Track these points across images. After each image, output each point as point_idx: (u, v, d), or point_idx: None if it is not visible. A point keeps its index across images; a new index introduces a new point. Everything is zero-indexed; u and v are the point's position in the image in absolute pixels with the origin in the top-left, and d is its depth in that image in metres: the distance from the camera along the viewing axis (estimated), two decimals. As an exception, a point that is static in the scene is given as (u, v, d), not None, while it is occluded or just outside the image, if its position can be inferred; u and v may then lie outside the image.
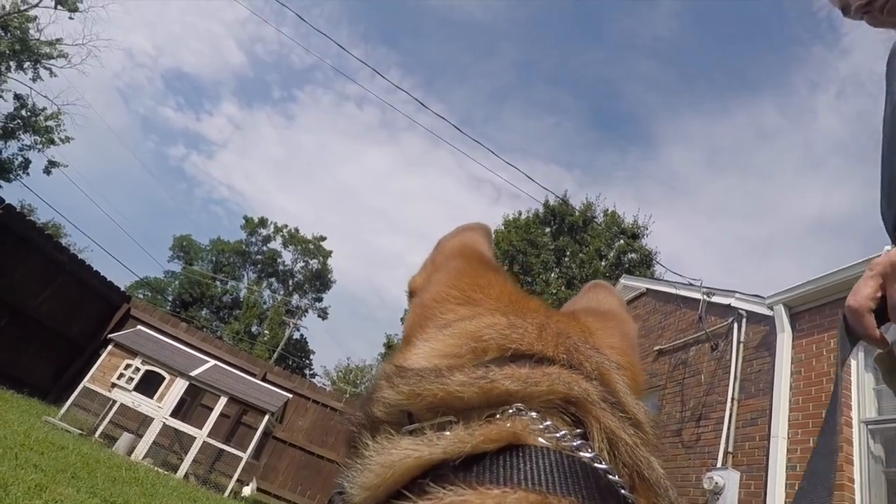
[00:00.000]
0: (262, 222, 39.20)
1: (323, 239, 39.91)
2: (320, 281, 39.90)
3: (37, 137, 21.34)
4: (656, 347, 8.47)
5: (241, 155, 65.35)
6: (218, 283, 37.34)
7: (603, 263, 23.59)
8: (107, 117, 52.86)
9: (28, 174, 21.45)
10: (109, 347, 7.98)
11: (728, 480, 5.62)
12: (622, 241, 24.15)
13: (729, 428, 6.12)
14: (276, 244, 39.45)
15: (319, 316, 39.97)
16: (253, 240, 39.32)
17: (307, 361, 38.65)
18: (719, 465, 5.97)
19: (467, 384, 0.35)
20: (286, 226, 39.47)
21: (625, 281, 10.85)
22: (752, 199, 69.91)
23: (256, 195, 66.17)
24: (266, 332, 35.32)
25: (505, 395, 0.35)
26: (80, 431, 6.73)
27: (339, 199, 71.32)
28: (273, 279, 39.41)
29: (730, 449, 5.98)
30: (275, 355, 30.63)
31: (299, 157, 68.65)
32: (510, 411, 0.34)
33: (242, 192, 65.65)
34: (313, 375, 36.69)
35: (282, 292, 39.19)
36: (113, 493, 4.15)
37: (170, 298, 36.82)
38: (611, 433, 0.36)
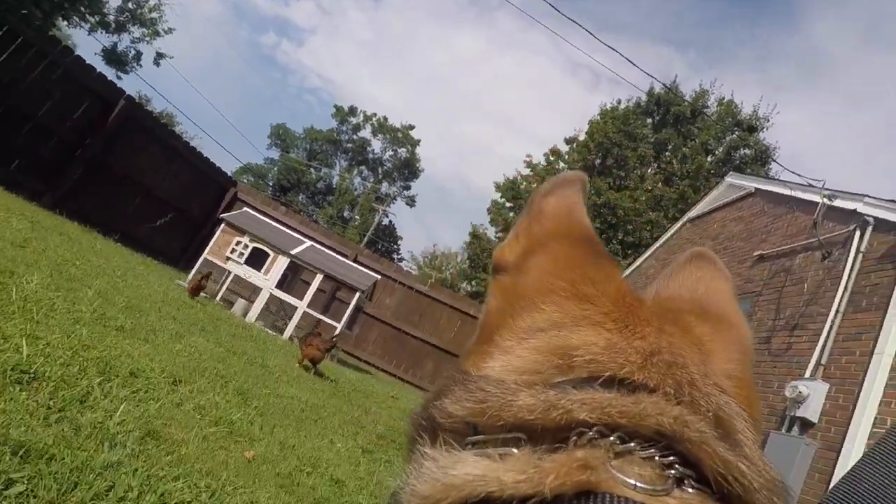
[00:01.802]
0: (352, 111, 39.66)
1: (411, 128, 39.84)
2: (408, 169, 40.62)
3: (144, 30, 22.32)
4: (756, 252, 7.88)
5: (330, 39, 64.49)
6: (312, 170, 39.35)
7: (709, 159, 21.47)
8: (201, 6, 53.72)
9: (141, 66, 22.89)
10: (222, 226, 8.95)
11: (814, 391, 5.42)
12: (736, 135, 21.60)
13: (826, 340, 5.76)
14: (365, 133, 40.14)
15: (407, 203, 41.38)
16: (343, 128, 40.20)
17: (395, 246, 40.88)
18: (807, 375, 5.74)
19: (534, 406, 0.31)
20: (375, 114, 39.68)
21: (731, 179, 9.88)
22: (911, 85, 57.76)
23: (346, 83, 66.17)
24: (357, 217, 37.44)
25: (574, 420, 0.31)
26: (203, 295, 7.82)
27: (428, 85, 69.33)
28: (363, 167, 40.72)
29: (823, 361, 5.67)
30: (365, 239, 32.70)
31: (387, 41, 66.47)
32: (586, 438, 0.30)
33: (333, 80, 65.90)
34: (401, 260, 38.96)
35: (372, 180, 40.61)
36: (234, 345, 4.90)
37: (270, 184, 39.66)
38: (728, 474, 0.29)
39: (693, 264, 0.53)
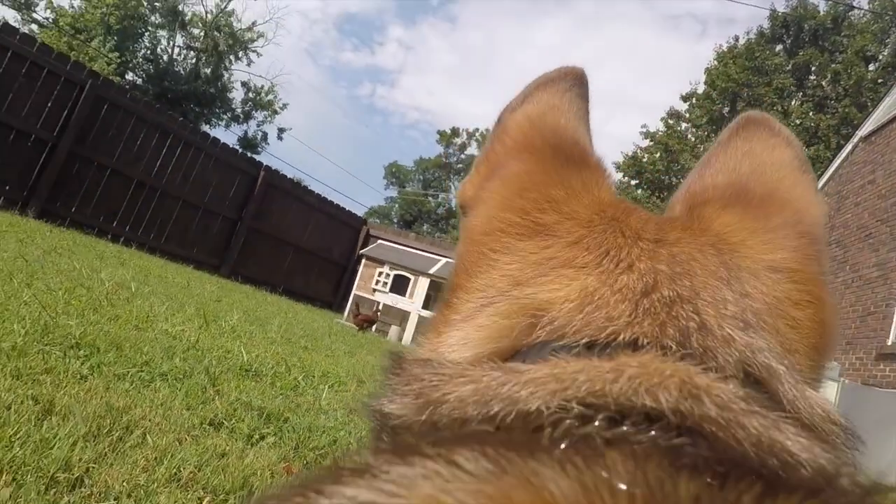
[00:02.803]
0: (455, 132, 41.15)
1: (513, 133, 40.25)
2: (520, 174, 40.82)
3: (265, 112, 25.83)
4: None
5: (418, 73, 68.00)
6: (430, 198, 41.24)
7: (871, 68, 18.06)
8: (303, 76, 60.20)
9: (269, 143, 26.42)
10: (363, 261, 9.74)
11: None
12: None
13: None
14: (472, 149, 41.24)
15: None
16: (450, 150, 41.79)
17: (522, 255, 40.91)
18: None
19: (472, 398, 0.24)
20: (477, 129, 40.69)
21: (905, 78, 8.22)
22: None
23: (442, 108, 68.88)
24: (480, 234, 38.29)
25: (526, 413, 0.22)
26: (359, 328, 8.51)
27: (521, 84, 69.42)
28: (476, 184, 41.80)
29: None
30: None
31: (472, 56, 68.20)
32: (562, 430, 0.21)
33: (430, 109, 69.03)
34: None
35: (486, 194, 41.44)
36: (398, 359, 5.26)
37: (395, 221, 42.35)
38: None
39: (740, 136, 0.40)
